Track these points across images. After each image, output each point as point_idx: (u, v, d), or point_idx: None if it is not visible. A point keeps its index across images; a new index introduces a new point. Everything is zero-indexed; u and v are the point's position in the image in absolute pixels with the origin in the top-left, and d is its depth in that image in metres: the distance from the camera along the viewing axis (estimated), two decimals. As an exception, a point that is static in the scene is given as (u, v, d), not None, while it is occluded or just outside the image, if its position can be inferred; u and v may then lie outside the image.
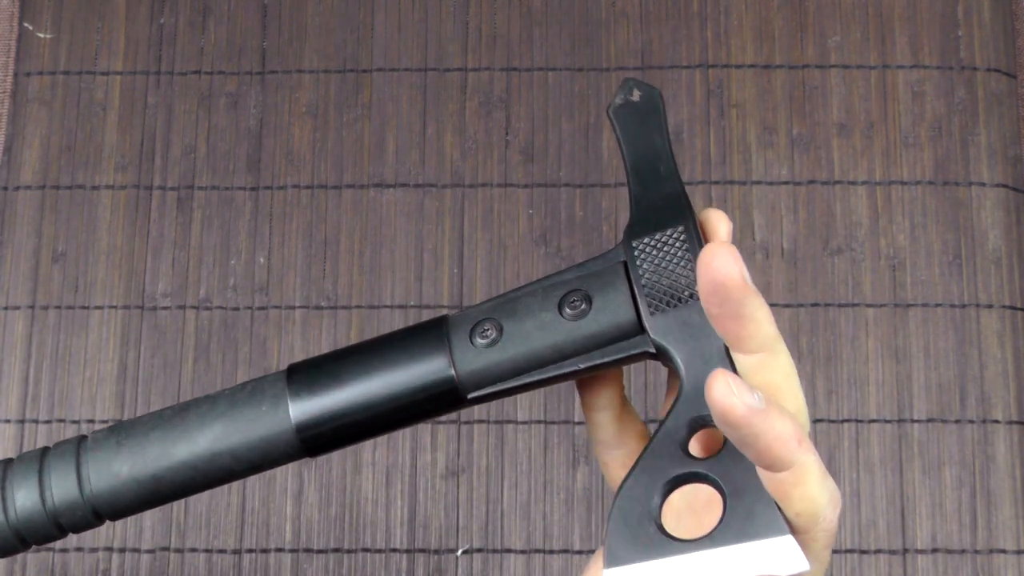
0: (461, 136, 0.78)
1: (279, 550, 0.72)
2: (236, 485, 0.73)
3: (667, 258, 0.39)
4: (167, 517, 0.73)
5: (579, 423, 0.74)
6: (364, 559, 0.72)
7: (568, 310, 0.40)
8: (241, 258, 0.77)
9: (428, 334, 0.41)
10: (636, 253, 0.39)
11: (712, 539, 0.32)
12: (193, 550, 0.72)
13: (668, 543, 0.33)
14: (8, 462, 0.42)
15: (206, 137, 0.79)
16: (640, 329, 0.39)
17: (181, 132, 0.79)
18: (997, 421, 0.73)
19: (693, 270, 0.38)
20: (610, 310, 0.39)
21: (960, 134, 0.78)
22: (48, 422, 0.74)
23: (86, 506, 0.41)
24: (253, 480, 0.73)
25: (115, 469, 0.41)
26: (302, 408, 0.40)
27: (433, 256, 0.76)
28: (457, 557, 0.71)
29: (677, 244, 0.39)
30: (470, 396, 0.40)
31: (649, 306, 0.39)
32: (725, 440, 0.35)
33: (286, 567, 0.72)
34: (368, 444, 0.73)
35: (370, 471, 0.73)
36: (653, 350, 0.39)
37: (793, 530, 0.34)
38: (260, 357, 0.75)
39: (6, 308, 0.76)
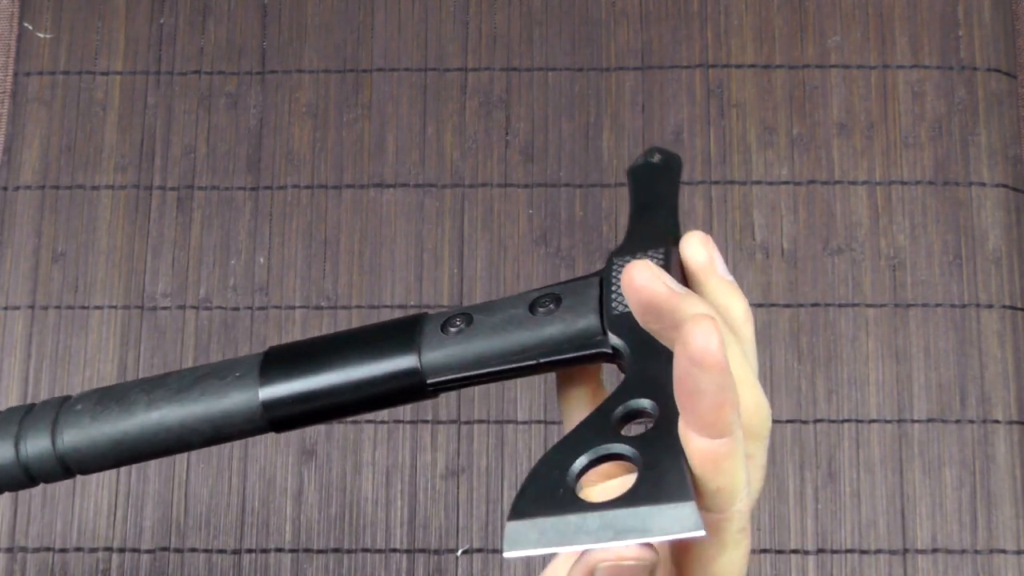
0: (461, 136, 0.78)
1: (279, 550, 0.72)
2: (236, 485, 0.73)
3: None
4: (167, 517, 0.73)
5: (579, 423, 0.74)
6: (364, 559, 0.72)
7: (538, 308, 0.41)
8: (241, 258, 0.77)
9: (402, 324, 0.42)
10: (612, 267, 0.41)
11: (616, 502, 0.32)
12: (193, 550, 0.72)
13: (575, 503, 0.33)
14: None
15: (206, 137, 0.79)
16: (601, 331, 0.40)
17: (181, 132, 0.79)
18: (997, 421, 0.73)
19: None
20: (575, 311, 0.41)
21: (960, 134, 0.78)
22: (48, 422, 0.74)
23: (55, 457, 0.43)
24: (253, 480, 0.73)
25: (85, 425, 0.43)
26: (271, 386, 0.42)
27: (433, 256, 0.76)
28: (457, 557, 0.71)
29: (653, 263, 0.40)
30: (430, 381, 0.41)
31: (612, 311, 0.40)
32: (657, 422, 0.35)
33: (286, 567, 0.72)
34: (368, 444, 0.73)
35: (370, 471, 0.73)
36: (610, 350, 0.40)
37: (707, 506, 0.34)
38: (260, 357, 0.75)
39: (6, 308, 0.76)
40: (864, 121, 0.78)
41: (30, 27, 0.81)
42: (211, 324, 0.76)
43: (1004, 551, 0.71)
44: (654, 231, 0.43)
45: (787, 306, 0.75)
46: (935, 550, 0.71)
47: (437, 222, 0.77)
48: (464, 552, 0.72)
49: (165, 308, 0.76)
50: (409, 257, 0.76)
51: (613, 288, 0.40)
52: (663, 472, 0.33)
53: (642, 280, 0.36)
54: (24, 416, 0.44)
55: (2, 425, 0.44)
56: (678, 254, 0.41)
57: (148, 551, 0.72)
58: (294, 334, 0.75)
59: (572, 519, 0.32)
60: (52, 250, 0.77)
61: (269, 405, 0.42)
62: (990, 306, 0.75)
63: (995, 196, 0.77)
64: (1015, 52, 0.80)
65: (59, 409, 0.44)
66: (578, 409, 0.43)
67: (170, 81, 0.80)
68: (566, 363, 0.41)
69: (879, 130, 0.78)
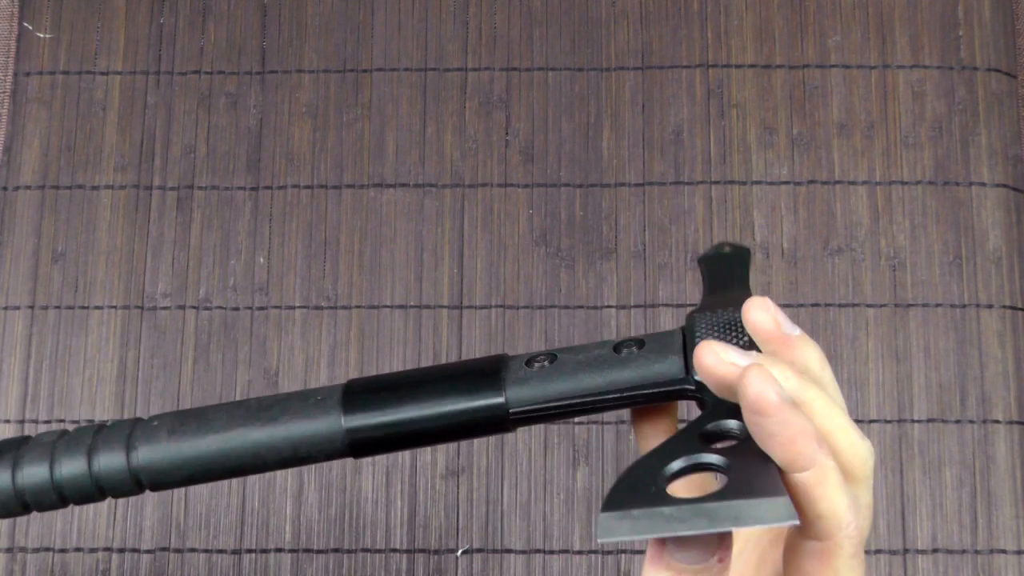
0: (461, 136, 0.78)
1: (279, 550, 0.72)
2: (236, 485, 0.73)
3: (720, 325, 0.42)
4: (167, 517, 0.73)
5: (579, 423, 0.74)
6: (364, 559, 0.72)
7: (622, 349, 0.43)
8: (241, 258, 0.77)
9: (486, 360, 0.44)
10: (693, 320, 0.43)
11: (709, 497, 0.34)
12: (193, 550, 0.72)
13: (667, 498, 0.34)
14: (64, 432, 0.46)
15: (206, 137, 0.79)
16: (684, 371, 0.41)
17: (181, 132, 0.79)
18: (997, 421, 0.73)
19: (740, 336, 0.41)
20: (659, 353, 0.42)
21: (960, 134, 0.78)
22: (48, 422, 0.74)
23: (128, 472, 0.43)
24: (253, 480, 0.73)
25: (161, 440, 0.43)
26: (356, 410, 0.43)
27: (433, 256, 0.76)
28: (457, 557, 0.71)
29: (730, 316, 0.42)
30: (512, 411, 0.42)
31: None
32: (743, 440, 0.36)
33: (286, 567, 0.72)
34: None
35: (370, 471, 0.73)
36: (693, 386, 0.41)
37: (814, 535, 0.36)
38: (260, 357, 0.75)
39: (6, 308, 0.76)
40: (864, 121, 0.78)
41: (30, 27, 0.81)
42: (211, 324, 0.76)
43: (1004, 551, 0.71)
44: (728, 297, 0.45)
45: (787, 306, 0.75)
46: (935, 550, 0.71)
47: (437, 222, 0.77)
48: (464, 552, 0.72)
49: (165, 308, 0.76)
50: (409, 257, 0.76)
51: (696, 334, 0.42)
52: (754, 474, 0.34)
53: (709, 362, 0.38)
54: (97, 432, 0.44)
55: (77, 438, 0.44)
56: None
57: (148, 551, 0.72)
58: (294, 334, 0.75)
59: (665, 510, 0.33)
60: (52, 250, 0.77)
61: (352, 429, 0.42)
62: (990, 306, 0.75)
63: (995, 196, 0.77)
64: (1015, 52, 0.80)
65: (134, 426, 0.44)
66: (655, 439, 0.44)
67: (170, 81, 0.80)
68: (649, 399, 0.42)
69: (879, 130, 0.78)
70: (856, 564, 0.36)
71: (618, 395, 0.42)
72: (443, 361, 0.75)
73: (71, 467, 0.43)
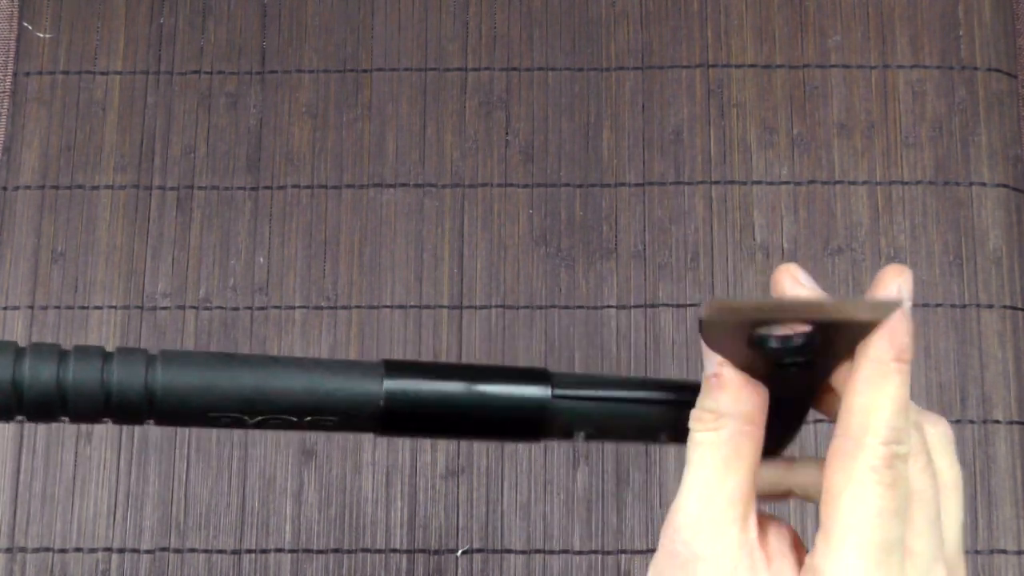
0: (461, 136, 0.78)
1: (279, 550, 0.72)
2: (236, 485, 0.73)
3: None
4: (167, 517, 0.73)
5: (579, 423, 0.73)
6: (364, 559, 0.72)
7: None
8: (241, 258, 0.77)
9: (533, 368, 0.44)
10: None
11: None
12: (193, 550, 0.72)
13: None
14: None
15: (206, 137, 0.79)
16: None
17: (181, 132, 0.79)
18: (998, 421, 0.73)
19: None
20: None
21: (961, 134, 0.78)
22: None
23: (143, 389, 0.39)
24: (253, 480, 0.73)
25: (189, 363, 0.40)
26: (398, 377, 0.41)
27: (433, 256, 0.76)
28: (457, 557, 0.71)
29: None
30: (555, 392, 0.41)
31: None
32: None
33: (286, 567, 0.72)
34: (368, 444, 0.73)
35: (370, 471, 0.73)
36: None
37: (843, 430, 0.36)
38: (260, 357, 0.75)
39: (5, 308, 0.76)
40: (864, 121, 0.78)
41: (30, 27, 0.81)
42: (211, 324, 0.75)
43: (1005, 551, 0.71)
44: None
45: (787, 306, 0.75)
46: (935, 550, 0.71)
47: (437, 222, 0.77)
48: (464, 552, 0.72)
49: (165, 308, 0.76)
50: (409, 257, 0.76)
51: None
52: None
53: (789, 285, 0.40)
54: (119, 350, 0.40)
55: (90, 350, 0.40)
56: None
57: (148, 551, 0.72)
58: (294, 334, 0.75)
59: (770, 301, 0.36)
60: (52, 250, 0.77)
61: (392, 394, 0.40)
62: (990, 306, 0.75)
63: (995, 196, 0.77)
64: (1015, 52, 0.80)
65: (160, 351, 0.40)
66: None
67: (170, 81, 0.80)
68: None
69: (879, 130, 0.78)
70: (875, 482, 0.34)
71: (665, 392, 0.41)
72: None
73: (82, 370, 0.39)
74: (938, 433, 0.38)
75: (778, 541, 0.37)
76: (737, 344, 0.37)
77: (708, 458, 0.37)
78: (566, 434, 0.42)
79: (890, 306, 0.36)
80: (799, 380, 0.38)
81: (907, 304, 0.37)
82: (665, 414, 0.41)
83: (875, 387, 0.35)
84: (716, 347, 0.37)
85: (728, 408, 0.37)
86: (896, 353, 0.35)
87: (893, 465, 0.34)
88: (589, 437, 0.42)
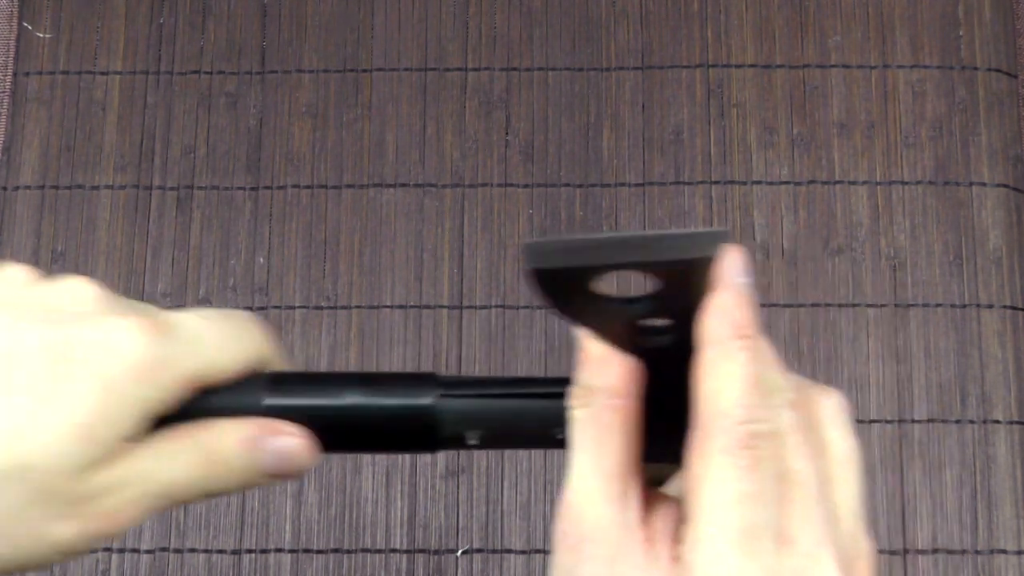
0: (461, 136, 0.78)
1: (279, 550, 0.72)
2: (236, 485, 0.73)
3: None
4: (167, 517, 0.73)
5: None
6: (364, 559, 0.72)
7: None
8: (241, 258, 0.77)
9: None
10: None
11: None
12: (192, 550, 0.72)
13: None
14: None
15: (206, 137, 0.79)
16: None
17: (181, 132, 0.79)
18: (998, 421, 0.73)
19: None
20: None
21: (961, 134, 0.78)
22: (48, 422, 0.74)
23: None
24: (253, 480, 0.73)
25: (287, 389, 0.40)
26: (276, 396, 0.40)
27: (433, 256, 0.76)
28: (457, 557, 0.71)
29: None
30: (441, 393, 0.39)
31: None
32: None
33: (286, 567, 0.72)
34: (368, 444, 0.73)
35: (370, 471, 0.73)
36: None
37: (695, 422, 0.34)
38: (260, 357, 0.75)
39: (6, 308, 0.76)
40: (864, 121, 0.78)
41: (30, 27, 0.81)
42: (211, 324, 0.75)
43: (1005, 551, 0.71)
44: None
45: (787, 306, 0.75)
46: (935, 550, 0.71)
47: (437, 222, 0.77)
48: (464, 552, 0.71)
49: (165, 308, 0.76)
50: (409, 257, 0.76)
51: None
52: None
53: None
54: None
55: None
56: None
57: (148, 551, 0.72)
58: (294, 334, 0.75)
59: (600, 237, 0.32)
60: (52, 250, 0.77)
61: (272, 410, 0.39)
62: (990, 306, 0.75)
63: (995, 196, 0.77)
64: (1015, 52, 0.80)
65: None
66: None
67: (170, 81, 0.80)
68: None
69: (879, 130, 0.78)
70: (731, 465, 0.32)
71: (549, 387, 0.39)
72: (443, 362, 0.75)
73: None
74: (829, 405, 0.36)
75: (664, 522, 0.34)
76: (584, 307, 0.35)
77: (582, 435, 0.35)
78: (458, 439, 0.40)
79: (714, 236, 0.33)
80: (673, 360, 0.35)
81: (740, 280, 0.34)
82: (554, 408, 0.38)
83: (719, 369, 0.33)
84: (564, 309, 0.35)
85: (594, 382, 0.36)
86: (734, 330, 0.33)
87: (752, 445, 0.32)
88: (483, 441, 0.40)
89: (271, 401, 0.39)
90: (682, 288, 0.34)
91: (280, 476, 0.39)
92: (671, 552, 0.33)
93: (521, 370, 0.74)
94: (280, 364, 0.41)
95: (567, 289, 0.34)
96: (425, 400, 0.39)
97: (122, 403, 0.35)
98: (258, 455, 0.38)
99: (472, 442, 0.40)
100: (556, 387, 0.39)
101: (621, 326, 0.35)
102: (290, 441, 0.38)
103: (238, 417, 0.39)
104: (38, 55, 0.80)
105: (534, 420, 0.40)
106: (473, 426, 0.39)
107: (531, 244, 0.32)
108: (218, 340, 0.38)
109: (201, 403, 0.38)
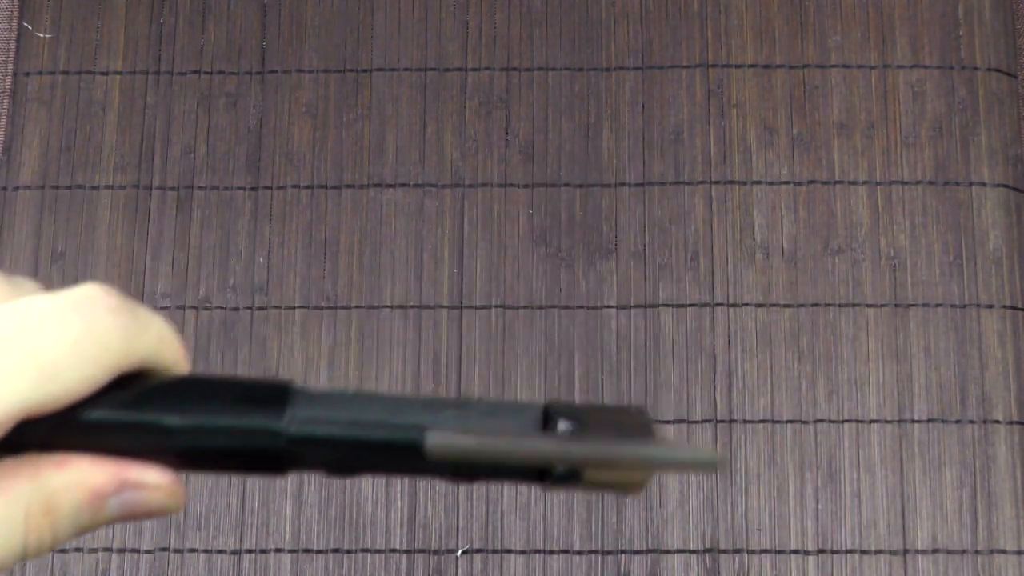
0: (461, 136, 0.78)
1: (279, 550, 0.72)
2: (236, 485, 0.73)
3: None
4: (166, 517, 0.73)
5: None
6: (364, 559, 0.72)
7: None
8: (241, 258, 0.77)
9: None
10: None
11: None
12: (193, 550, 0.72)
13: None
14: None
15: (206, 137, 0.79)
16: None
17: (180, 132, 0.79)
18: (998, 421, 0.73)
19: None
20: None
21: (960, 134, 0.78)
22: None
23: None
24: (253, 480, 0.73)
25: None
26: (100, 410, 0.32)
27: (433, 256, 0.76)
28: (457, 557, 0.71)
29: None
30: (295, 386, 0.32)
31: None
32: None
33: (286, 567, 0.72)
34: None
35: (370, 471, 0.73)
36: None
37: None
38: (260, 357, 0.75)
39: (6, 308, 0.76)
40: (864, 121, 0.78)
41: (30, 27, 0.81)
42: (211, 324, 0.76)
43: (1004, 551, 0.71)
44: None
45: (787, 306, 0.75)
46: (935, 550, 0.71)
47: (437, 222, 0.77)
48: (464, 552, 0.72)
49: (165, 308, 0.76)
50: (409, 257, 0.76)
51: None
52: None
53: None
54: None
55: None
56: None
57: (148, 551, 0.72)
58: (294, 334, 0.75)
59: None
60: (52, 250, 0.77)
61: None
62: (990, 306, 0.75)
63: (995, 196, 0.77)
64: (1015, 52, 0.80)
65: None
66: None
67: (170, 81, 0.80)
68: None
69: (879, 130, 0.78)
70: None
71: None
72: (443, 362, 0.75)
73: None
74: None
75: None
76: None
77: None
78: (309, 467, 0.32)
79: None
80: None
81: None
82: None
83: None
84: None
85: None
86: None
87: None
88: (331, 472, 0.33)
89: (93, 415, 0.30)
90: None
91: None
92: None
93: (521, 369, 0.74)
94: (170, 362, 0.32)
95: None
96: (273, 422, 0.31)
97: None
98: (104, 514, 0.29)
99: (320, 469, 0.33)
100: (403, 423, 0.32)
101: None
102: (151, 495, 0.29)
103: (68, 452, 0.29)
104: (38, 55, 0.80)
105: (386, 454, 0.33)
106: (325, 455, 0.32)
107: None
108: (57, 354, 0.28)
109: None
